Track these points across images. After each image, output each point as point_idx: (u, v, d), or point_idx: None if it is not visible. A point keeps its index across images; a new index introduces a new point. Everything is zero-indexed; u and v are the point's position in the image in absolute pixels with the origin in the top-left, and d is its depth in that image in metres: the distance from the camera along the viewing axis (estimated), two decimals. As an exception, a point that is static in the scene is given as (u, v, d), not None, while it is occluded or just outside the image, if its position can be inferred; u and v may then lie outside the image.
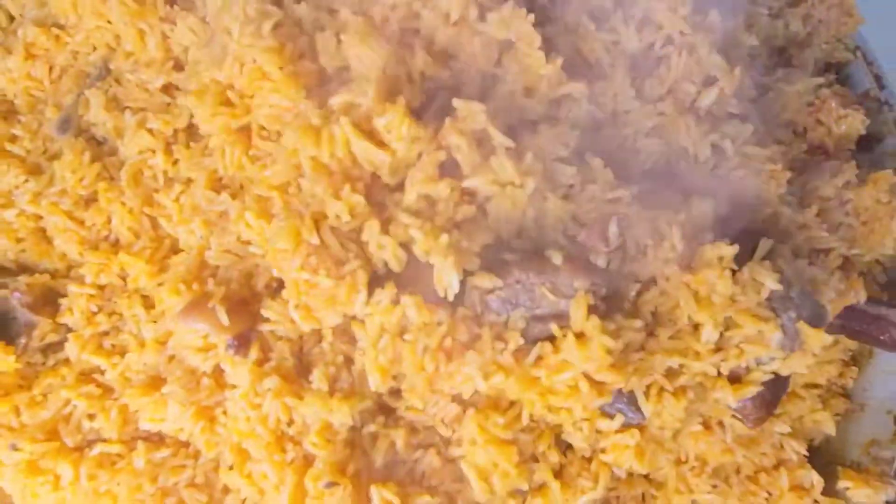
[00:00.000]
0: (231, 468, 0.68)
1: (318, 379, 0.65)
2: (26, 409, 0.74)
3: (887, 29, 0.95)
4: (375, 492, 0.63)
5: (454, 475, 0.67)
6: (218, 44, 0.73)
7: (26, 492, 0.73)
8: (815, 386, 0.84)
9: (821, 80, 0.87)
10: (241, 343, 0.66)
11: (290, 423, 0.66)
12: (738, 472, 0.80)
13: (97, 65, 0.88)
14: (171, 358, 0.73)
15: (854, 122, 0.86)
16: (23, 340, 0.74)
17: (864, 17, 0.93)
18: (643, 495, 0.77)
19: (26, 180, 0.80)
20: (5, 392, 0.74)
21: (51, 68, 0.87)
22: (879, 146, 0.93)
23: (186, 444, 0.72)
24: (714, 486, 0.77)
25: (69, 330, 0.77)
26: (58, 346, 0.78)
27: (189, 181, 0.76)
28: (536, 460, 0.69)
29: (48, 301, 0.77)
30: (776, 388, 0.70)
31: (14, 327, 0.74)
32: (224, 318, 0.65)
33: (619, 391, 0.66)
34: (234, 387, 0.68)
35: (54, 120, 0.84)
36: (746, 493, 0.80)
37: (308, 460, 0.65)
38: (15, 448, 0.72)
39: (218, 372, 0.69)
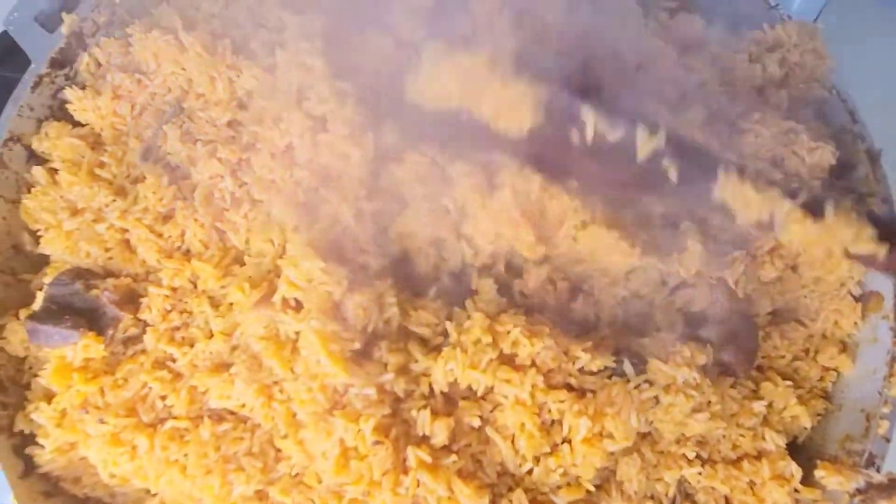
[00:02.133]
0: (285, 437, 0.81)
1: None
2: (110, 390, 0.88)
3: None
4: (411, 451, 0.76)
5: (479, 438, 0.79)
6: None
7: (109, 460, 0.86)
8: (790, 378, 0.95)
9: (792, 123, 0.98)
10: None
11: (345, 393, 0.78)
12: (722, 458, 0.90)
13: (172, 104, 1.04)
14: (235, 347, 0.87)
15: (825, 154, 0.98)
16: (110, 332, 0.88)
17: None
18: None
19: (114, 200, 0.96)
20: (94, 375, 0.88)
21: (132, 106, 1.03)
22: (853, 173, 1.04)
23: (244, 420, 0.85)
24: (702, 464, 0.87)
25: (146, 324, 0.91)
26: (136, 338, 0.92)
27: (255, 200, 0.91)
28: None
29: (130, 300, 0.92)
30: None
31: (103, 321, 0.88)
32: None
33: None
34: (289, 370, 0.81)
35: (137, 150, 0.99)
36: (730, 478, 0.89)
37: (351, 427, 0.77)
38: (102, 422, 0.86)
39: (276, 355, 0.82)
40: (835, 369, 0.98)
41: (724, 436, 0.91)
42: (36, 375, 0.94)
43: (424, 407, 0.78)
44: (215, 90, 0.98)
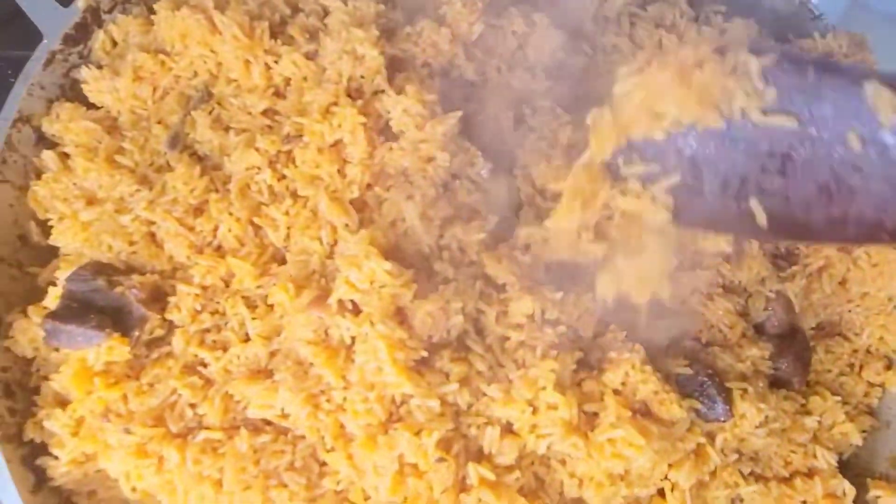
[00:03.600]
0: (331, 450, 0.75)
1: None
2: (134, 397, 0.80)
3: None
4: (472, 468, 0.71)
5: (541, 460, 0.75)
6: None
7: (133, 474, 0.79)
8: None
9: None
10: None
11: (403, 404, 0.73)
12: (774, 475, 0.88)
13: (199, 88, 0.97)
14: (275, 353, 0.81)
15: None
16: (136, 333, 0.81)
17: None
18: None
19: (138, 189, 0.88)
20: (117, 380, 0.81)
21: (154, 89, 0.96)
22: None
23: (285, 432, 0.79)
24: (756, 480, 0.85)
25: (173, 325, 0.85)
26: (161, 341, 0.85)
27: (297, 195, 0.84)
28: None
29: (156, 298, 0.84)
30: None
31: (129, 321, 0.81)
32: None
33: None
34: (341, 378, 0.75)
35: (163, 137, 0.92)
36: (783, 496, 0.87)
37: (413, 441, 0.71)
38: (128, 431, 0.78)
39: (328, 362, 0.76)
40: (881, 385, 0.97)
41: (776, 452, 0.89)
42: (46, 378, 0.86)
43: (488, 423, 0.73)
44: (251, 76, 0.91)
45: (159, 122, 0.94)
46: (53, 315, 0.79)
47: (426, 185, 0.81)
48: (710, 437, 0.82)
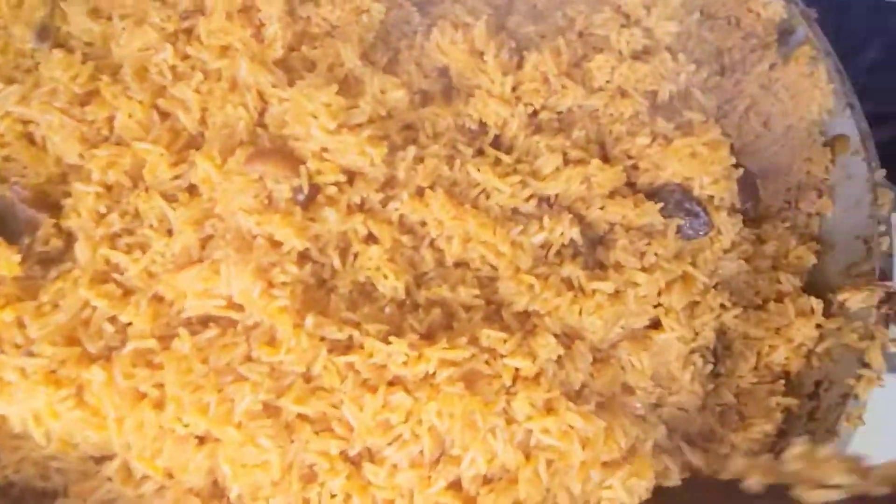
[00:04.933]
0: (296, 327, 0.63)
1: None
2: (33, 320, 0.64)
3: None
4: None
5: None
6: None
7: (45, 412, 0.63)
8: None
9: (746, -22, 1.03)
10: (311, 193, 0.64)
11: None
12: (749, 303, 0.88)
13: (68, -19, 0.83)
14: (208, 238, 0.68)
15: (776, 7, 1.02)
16: (26, 240, 0.65)
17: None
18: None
19: (3, 89, 0.73)
20: (6, 301, 0.64)
21: (7, -5, 0.81)
22: (792, 37, 1.10)
23: (234, 324, 0.66)
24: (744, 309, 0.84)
25: (72, 237, 0.70)
26: (59, 258, 0.70)
27: (208, 72, 0.73)
28: None
29: (46, 204, 0.69)
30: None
31: (14, 226, 0.65)
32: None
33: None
34: (288, 252, 0.65)
35: (31, 31, 0.77)
36: (761, 322, 0.87)
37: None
38: (31, 354, 0.62)
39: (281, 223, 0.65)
40: (817, 213, 1.01)
41: (746, 282, 0.88)
42: None
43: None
44: (130, -43, 0.79)
45: (25, 23, 0.79)
46: None
47: (362, 30, 0.73)
48: (693, 260, 0.79)
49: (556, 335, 0.68)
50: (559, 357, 0.68)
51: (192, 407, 0.61)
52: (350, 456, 0.63)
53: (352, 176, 0.70)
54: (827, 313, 0.90)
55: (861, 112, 1.01)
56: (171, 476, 0.64)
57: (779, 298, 0.90)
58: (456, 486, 0.62)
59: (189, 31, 0.76)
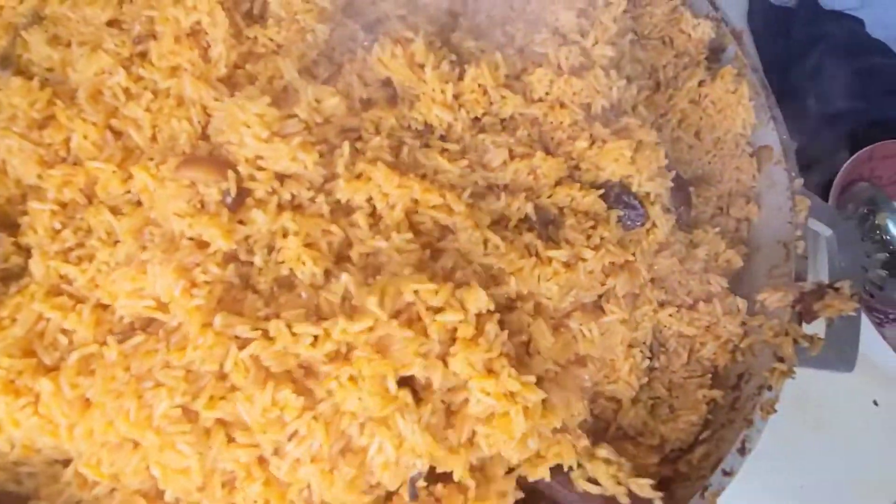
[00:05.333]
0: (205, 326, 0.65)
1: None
2: (-8, 334, 0.68)
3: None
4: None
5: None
6: None
7: (6, 420, 0.66)
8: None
9: (676, 2, 1.10)
10: (238, 198, 0.68)
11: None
12: (681, 304, 0.94)
13: (26, 14, 0.88)
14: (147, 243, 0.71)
15: (706, 28, 1.10)
16: (-15, 258, 0.69)
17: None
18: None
19: (-38, 115, 0.77)
20: (-34, 317, 0.68)
21: (-30, 24, 0.85)
22: (724, 54, 1.17)
23: (158, 329, 0.69)
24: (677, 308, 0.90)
25: (30, 253, 0.73)
26: (20, 274, 0.73)
27: (157, 91, 0.78)
28: None
29: (7, 224, 0.73)
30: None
31: (-27, 245, 0.69)
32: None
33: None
34: (213, 252, 0.69)
35: (-11, 60, 0.82)
36: (693, 321, 0.93)
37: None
38: (-11, 365, 0.66)
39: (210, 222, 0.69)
40: (746, 218, 1.08)
41: (679, 282, 0.95)
42: None
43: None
44: (87, -13, 0.83)
45: (-17, 54, 0.83)
46: None
47: (305, 48, 0.78)
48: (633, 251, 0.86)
49: (510, 297, 0.73)
50: (500, 321, 0.71)
51: (115, 413, 0.65)
52: (266, 458, 0.65)
53: (285, 178, 0.73)
54: (750, 311, 0.97)
55: (784, 124, 1.08)
56: (118, 479, 0.67)
57: (708, 299, 0.96)
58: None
59: (143, 55, 0.81)
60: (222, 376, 0.66)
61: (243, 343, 0.65)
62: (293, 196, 0.72)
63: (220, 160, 0.71)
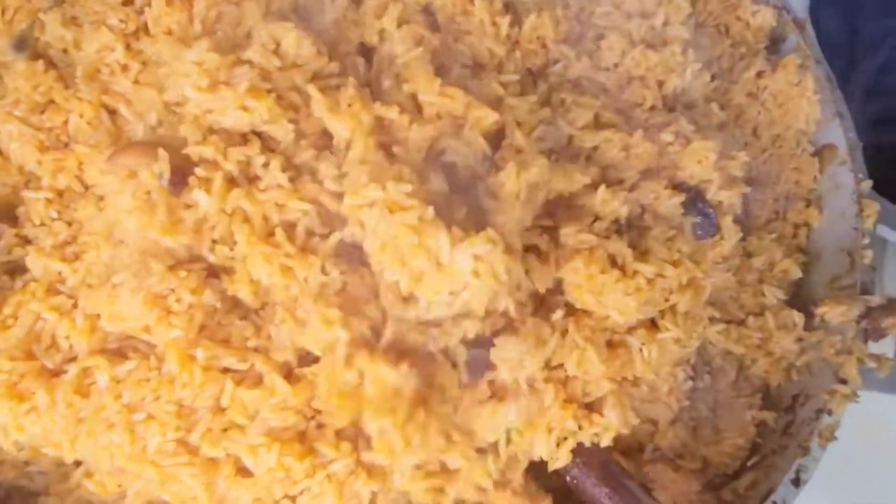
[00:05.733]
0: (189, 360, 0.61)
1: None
2: (-4, 332, 0.64)
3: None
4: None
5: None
6: None
7: (11, 424, 0.62)
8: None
9: (736, -12, 1.01)
10: (178, 178, 0.60)
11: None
12: (731, 319, 0.86)
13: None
14: (120, 243, 0.65)
15: (766, 15, 1.00)
16: (-12, 251, 0.66)
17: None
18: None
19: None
20: (-32, 315, 0.65)
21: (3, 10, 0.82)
22: (784, 44, 1.08)
23: (152, 349, 0.64)
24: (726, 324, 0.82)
25: (29, 242, 0.70)
26: (25, 268, 0.70)
27: (145, 63, 0.72)
28: None
29: (8, 216, 0.70)
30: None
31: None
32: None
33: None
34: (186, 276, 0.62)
35: (8, 43, 0.79)
36: (742, 338, 0.85)
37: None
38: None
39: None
40: (805, 224, 0.99)
41: (731, 296, 0.87)
42: None
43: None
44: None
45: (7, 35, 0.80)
46: None
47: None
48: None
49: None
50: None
51: (109, 444, 0.61)
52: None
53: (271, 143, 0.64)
54: (808, 326, 0.88)
55: (851, 121, 0.99)
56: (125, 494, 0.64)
57: (760, 312, 0.88)
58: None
59: (146, 28, 0.76)
60: (219, 410, 0.61)
61: (240, 378, 0.60)
62: (242, 165, 0.62)
63: (148, 142, 0.62)
